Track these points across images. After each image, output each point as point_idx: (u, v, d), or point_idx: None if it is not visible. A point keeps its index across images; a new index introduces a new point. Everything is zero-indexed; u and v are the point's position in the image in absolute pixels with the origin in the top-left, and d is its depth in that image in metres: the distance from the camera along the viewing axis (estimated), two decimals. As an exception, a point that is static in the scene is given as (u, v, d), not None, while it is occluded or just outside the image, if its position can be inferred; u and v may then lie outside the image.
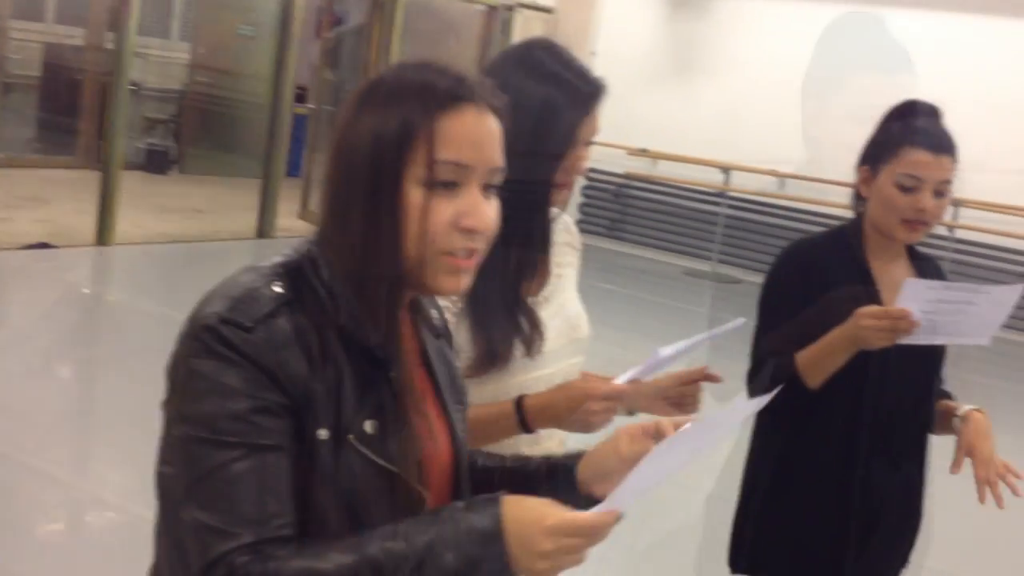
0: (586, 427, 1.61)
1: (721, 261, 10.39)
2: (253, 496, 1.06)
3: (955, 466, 2.09)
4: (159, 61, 14.37)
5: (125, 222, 8.10)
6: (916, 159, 2.08)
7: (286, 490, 1.08)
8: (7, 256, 7.10)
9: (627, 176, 11.09)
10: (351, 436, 1.13)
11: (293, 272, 1.17)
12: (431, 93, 1.14)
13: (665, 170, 10.89)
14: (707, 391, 1.80)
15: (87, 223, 7.93)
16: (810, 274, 2.15)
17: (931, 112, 2.16)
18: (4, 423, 4.48)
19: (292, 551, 1.05)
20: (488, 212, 1.17)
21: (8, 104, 11.21)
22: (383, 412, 1.15)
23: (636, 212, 11.28)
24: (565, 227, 1.93)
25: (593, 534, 1.08)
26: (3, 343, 5.48)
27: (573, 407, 1.61)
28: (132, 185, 9.28)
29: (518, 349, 1.69)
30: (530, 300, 1.75)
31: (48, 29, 13.22)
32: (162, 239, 8.34)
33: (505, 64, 1.71)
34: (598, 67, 10.08)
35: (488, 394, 1.69)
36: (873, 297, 2.12)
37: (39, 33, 12.66)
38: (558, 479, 1.32)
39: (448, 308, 1.65)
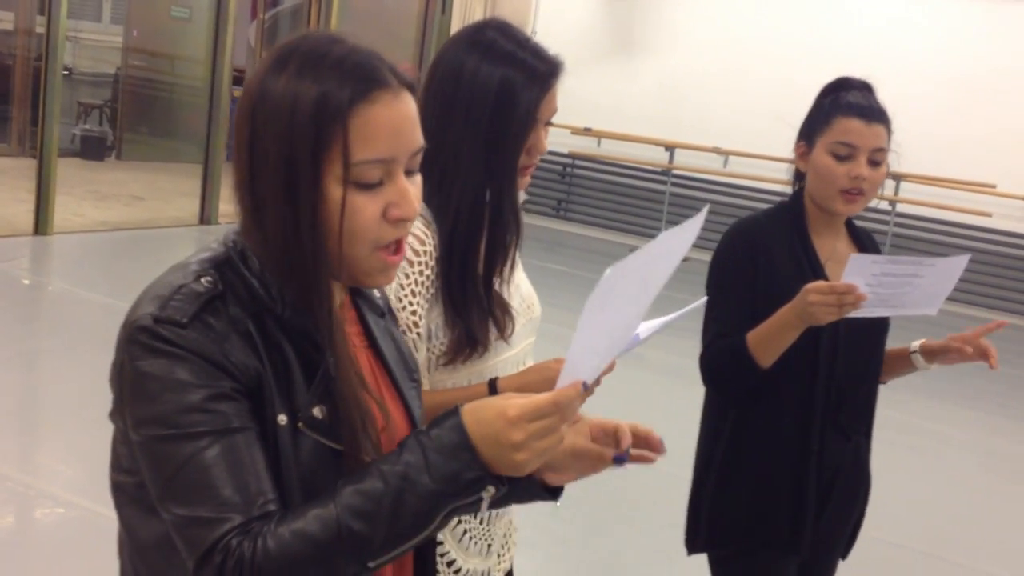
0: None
1: (667, 239, 10.44)
2: (231, 479, 1.05)
3: (976, 334, 2.16)
4: (92, 45, 14.09)
5: (63, 210, 7.94)
6: (848, 127, 2.12)
7: (262, 467, 1.07)
8: (-60, 247, 6.92)
9: (572, 155, 11.10)
10: (301, 423, 1.12)
11: (221, 265, 1.14)
12: (340, 82, 1.10)
13: (609, 149, 10.92)
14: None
15: (24, 212, 7.76)
16: (756, 252, 2.16)
17: (863, 87, 2.20)
18: (-58, 419, 4.37)
19: (276, 522, 1.04)
20: (414, 197, 1.15)
21: (-64, 91, 10.92)
22: (330, 396, 1.14)
23: (582, 191, 11.31)
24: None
25: (559, 411, 1.06)
26: (-62, 337, 5.35)
27: (547, 388, 1.60)
28: (69, 172, 9.09)
29: (492, 332, 1.69)
30: (497, 281, 1.74)
31: (-24, 13, 12.90)
32: (102, 227, 8.19)
33: (458, 48, 1.68)
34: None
35: (462, 378, 1.69)
36: (817, 273, 2.15)
37: (-34, 17, 12.35)
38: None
39: (421, 293, 1.63)
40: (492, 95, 1.63)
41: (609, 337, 1.13)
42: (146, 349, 1.07)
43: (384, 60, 1.14)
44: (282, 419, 1.10)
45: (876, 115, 2.14)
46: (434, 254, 1.65)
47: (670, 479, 4.49)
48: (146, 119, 11.78)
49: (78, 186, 9.21)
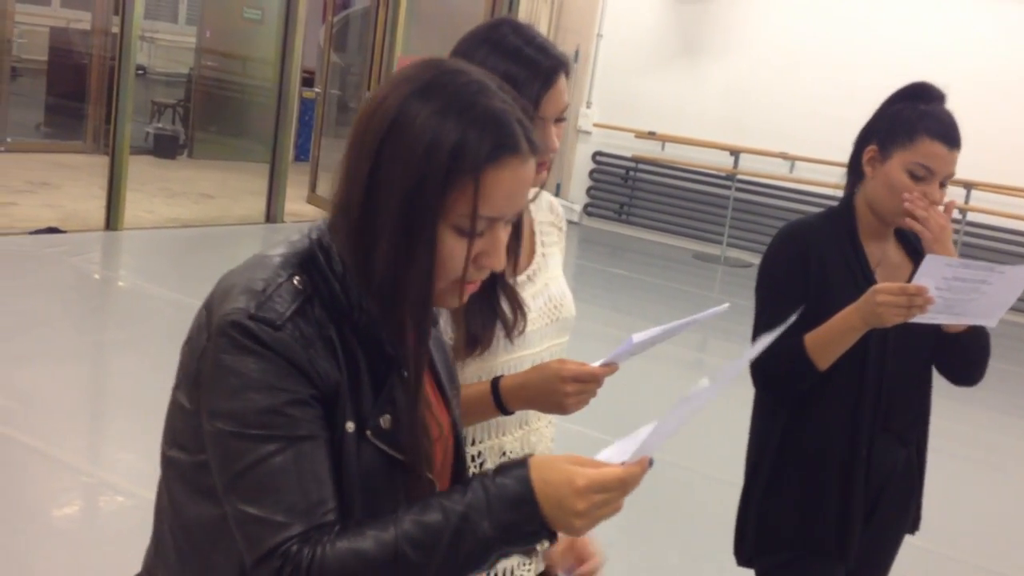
0: (560, 408, 1.61)
1: (731, 244, 10.36)
2: (297, 486, 1.09)
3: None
4: (167, 45, 14.37)
5: (134, 207, 8.11)
6: (933, 151, 2.09)
7: (327, 476, 1.11)
8: (16, 241, 7.11)
9: (635, 159, 11.05)
10: (369, 431, 1.16)
11: (307, 263, 1.17)
12: (481, 137, 1.13)
13: (674, 153, 10.85)
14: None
15: (96, 208, 7.94)
16: (807, 255, 2.15)
17: (941, 98, 2.17)
18: (15, 408, 4.50)
19: (335, 535, 1.08)
20: (504, 250, 1.20)
21: (15, 89, 11.23)
22: (396, 407, 1.18)
23: (645, 196, 11.26)
24: (549, 206, 1.93)
25: (624, 487, 1.10)
26: (13, 328, 5.50)
27: (546, 388, 1.61)
28: (141, 170, 9.29)
29: (500, 331, 1.70)
30: (514, 280, 1.75)
31: (54, 13, 13.22)
32: (171, 224, 8.36)
33: (472, 41, 1.70)
34: (604, 49, 10.07)
35: (472, 375, 1.70)
36: (868, 278, 2.14)
37: (45, 17, 12.67)
38: None
39: None
40: None
41: (680, 421, 1.18)
42: (236, 345, 1.10)
43: (524, 124, 1.18)
44: (350, 426, 1.14)
45: (958, 141, 2.12)
46: None
47: (719, 484, 4.47)
48: (217, 118, 11.98)
49: (150, 183, 9.41)
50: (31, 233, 7.28)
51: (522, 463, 1.11)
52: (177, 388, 1.18)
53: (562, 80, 1.68)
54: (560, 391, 1.59)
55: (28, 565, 3.30)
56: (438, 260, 1.15)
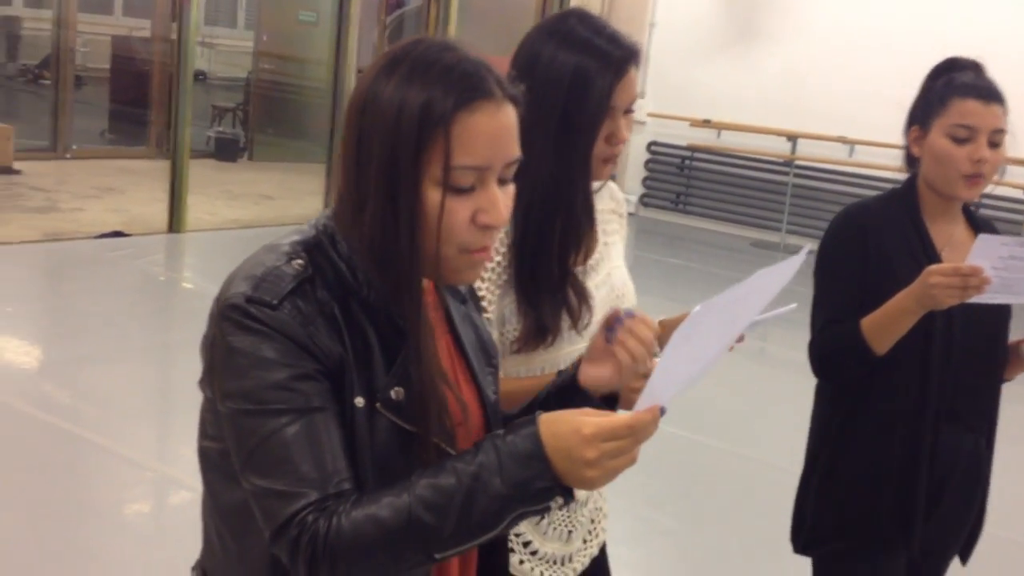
0: (625, 403, 1.60)
1: (790, 231, 10.25)
2: (309, 456, 1.10)
3: None
4: (226, 50, 14.60)
5: (196, 209, 8.27)
6: (967, 108, 2.06)
7: (339, 447, 1.13)
8: (82, 245, 7.30)
9: (691, 148, 10.98)
10: (379, 403, 1.17)
11: (312, 248, 1.20)
12: (446, 90, 1.14)
13: (730, 140, 10.76)
14: None
15: (159, 211, 8.11)
16: (865, 238, 2.12)
17: (973, 66, 2.15)
18: (83, 407, 4.62)
19: (351, 503, 1.09)
20: (504, 206, 1.19)
21: (80, 97, 11.48)
22: (409, 379, 1.19)
23: (701, 184, 11.17)
24: (611, 194, 1.92)
25: (634, 433, 1.08)
26: (81, 329, 5.65)
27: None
28: (203, 173, 9.47)
29: (565, 321, 1.69)
30: (577, 270, 1.74)
31: (116, 21, 13.50)
32: (232, 225, 8.50)
33: (539, 36, 1.70)
34: (658, 38, 10.00)
35: (535, 366, 1.70)
36: (932, 259, 2.09)
37: (107, 26, 12.94)
38: (568, 395, 1.36)
39: (491, 280, 1.66)
40: (565, 83, 1.63)
41: (690, 366, 1.16)
42: (237, 326, 1.14)
43: (492, 70, 1.18)
44: (359, 401, 1.16)
45: (993, 95, 2.09)
46: (506, 241, 1.67)
47: (776, 471, 4.44)
48: (275, 121, 12.15)
49: (212, 186, 9.57)
50: (97, 237, 7.47)
51: (531, 420, 1.11)
52: (201, 380, 1.22)
53: (633, 70, 1.68)
54: (626, 386, 1.59)
55: (96, 559, 3.40)
56: (427, 222, 1.15)
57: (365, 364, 1.17)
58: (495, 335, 1.67)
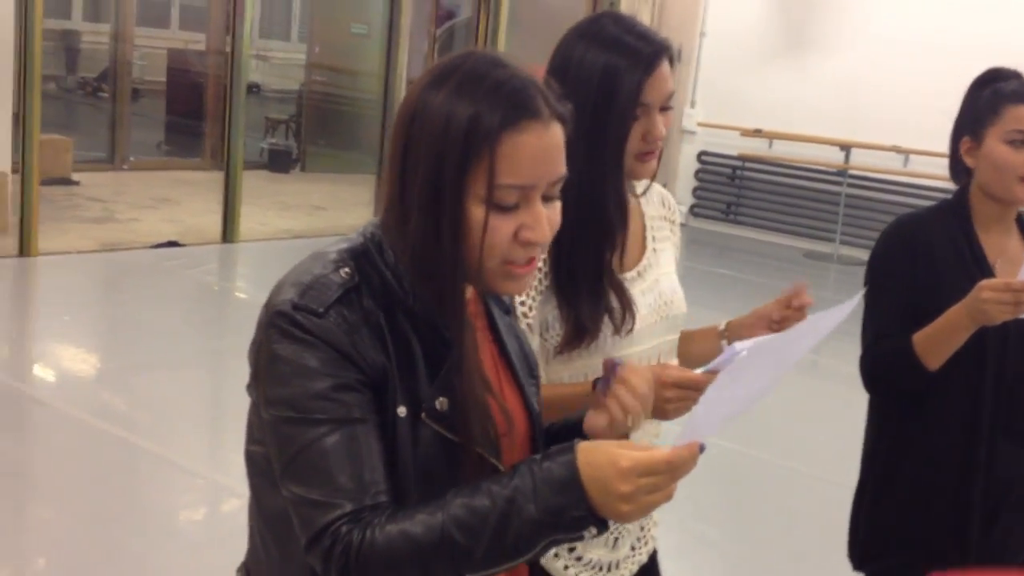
0: (661, 414, 1.56)
1: (844, 242, 10.12)
2: (347, 467, 1.11)
3: None
4: (280, 63, 14.78)
5: (249, 220, 8.37)
6: (1021, 114, 2.07)
7: (377, 459, 1.13)
8: (138, 255, 7.42)
9: (742, 157, 10.90)
10: (423, 414, 1.17)
11: (359, 256, 1.21)
12: (493, 107, 1.14)
13: (781, 150, 10.66)
14: None
15: (213, 221, 8.22)
16: (915, 250, 2.10)
17: (1015, 75, 2.15)
18: (137, 415, 4.69)
19: (386, 517, 1.10)
20: (548, 224, 1.19)
21: (137, 109, 11.69)
22: (453, 389, 1.19)
23: (753, 194, 11.08)
24: (660, 200, 1.91)
25: (671, 470, 1.07)
26: (136, 338, 5.74)
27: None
28: (256, 184, 9.59)
29: (607, 326, 1.68)
30: (623, 276, 1.73)
31: (172, 35, 13.73)
32: (285, 235, 8.59)
33: (571, 38, 1.70)
34: (708, 47, 9.94)
35: (579, 371, 1.69)
36: (985, 272, 2.07)
37: (163, 39, 13.17)
38: (571, 438, 1.32)
39: (533, 286, 1.66)
40: (595, 82, 1.63)
41: (737, 403, 1.15)
42: (282, 333, 1.15)
43: (541, 88, 1.18)
44: (402, 411, 1.16)
45: None
46: (545, 246, 1.67)
47: (825, 485, 4.38)
48: (327, 132, 12.27)
49: (265, 197, 9.69)
50: (152, 247, 7.59)
51: (569, 448, 1.10)
52: (249, 385, 1.23)
53: (665, 66, 1.66)
54: (661, 396, 1.54)
55: (147, 565, 3.44)
56: (470, 236, 1.15)
57: (409, 374, 1.17)
58: (537, 342, 1.67)
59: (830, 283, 9.36)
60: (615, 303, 1.69)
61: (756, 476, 4.67)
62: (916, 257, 2.09)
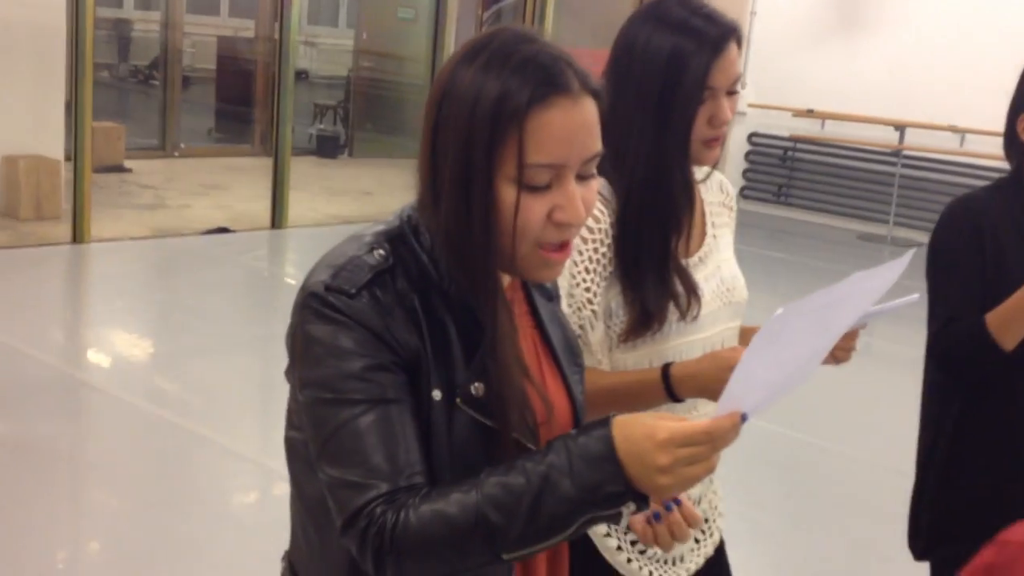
0: (715, 396, 1.55)
1: (898, 224, 9.96)
2: (382, 448, 1.09)
3: None
4: (328, 49, 14.84)
5: (298, 206, 8.43)
6: None
7: (413, 439, 1.11)
8: (189, 241, 7.50)
9: (793, 139, 10.75)
10: (459, 399, 1.15)
11: (395, 239, 1.19)
12: (522, 82, 1.11)
13: (833, 131, 10.50)
14: None
15: (263, 208, 8.28)
16: (982, 231, 2.04)
17: None
18: (190, 399, 4.74)
19: (421, 498, 1.07)
20: (582, 204, 1.15)
21: (187, 97, 11.82)
22: (490, 375, 1.16)
23: (804, 176, 10.94)
24: (720, 186, 1.88)
25: (711, 440, 1.03)
26: (188, 323, 5.80)
27: (722, 377, 1.54)
28: (304, 170, 9.64)
29: (673, 312, 1.65)
30: (685, 262, 1.71)
31: (222, 22, 13.84)
32: (333, 221, 8.63)
33: (636, 21, 1.67)
34: (758, 27, 9.84)
35: (643, 358, 1.67)
36: None
37: (213, 27, 13.27)
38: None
39: (597, 271, 1.63)
40: (662, 65, 1.60)
41: (780, 372, 1.09)
42: (316, 314, 1.13)
43: (572, 63, 1.15)
44: (436, 395, 1.14)
45: None
46: (610, 232, 1.64)
47: (885, 472, 4.30)
48: (375, 117, 12.31)
49: (314, 182, 9.74)
50: (203, 233, 7.66)
51: (605, 421, 1.07)
52: (286, 371, 1.21)
53: (733, 49, 1.63)
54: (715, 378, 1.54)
55: (200, 548, 3.47)
56: (502, 219, 1.13)
57: (444, 357, 1.15)
58: (600, 329, 1.64)
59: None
60: (680, 289, 1.66)
61: (810, 462, 4.61)
62: (982, 237, 2.04)
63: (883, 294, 1.14)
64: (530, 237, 1.14)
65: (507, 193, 1.13)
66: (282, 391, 1.22)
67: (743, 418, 1.05)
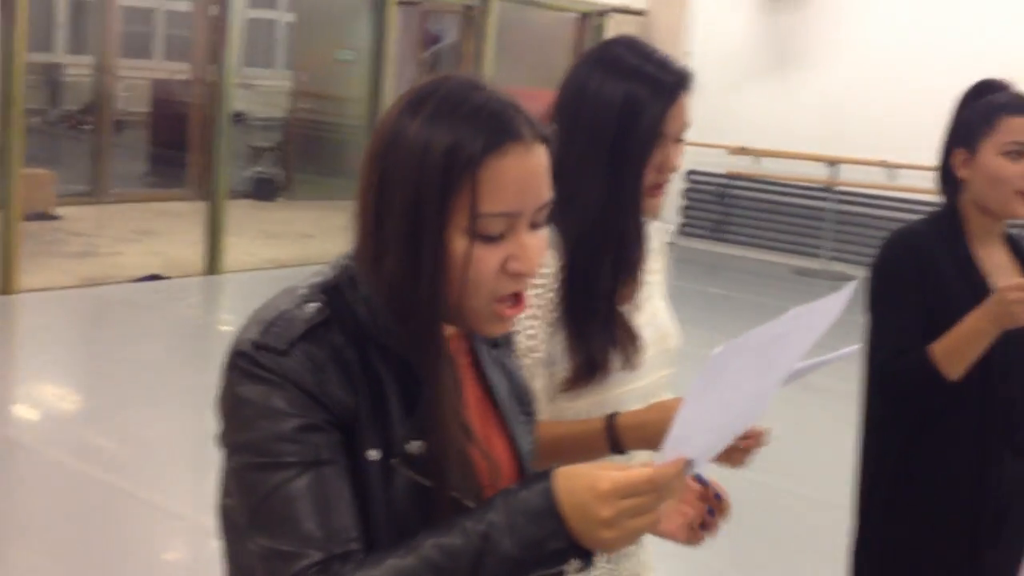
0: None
1: (833, 258, 10.10)
2: (315, 514, 1.04)
3: None
4: (265, 91, 14.76)
5: (235, 250, 8.30)
6: (1018, 125, 2.05)
7: (348, 503, 1.06)
8: (120, 289, 7.34)
9: (729, 175, 10.88)
10: (395, 459, 1.10)
11: (331, 290, 1.14)
12: (474, 132, 1.08)
13: (768, 167, 10.65)
14: None
15: (197, 253, 8.15)
16: (922, 264, 2.08)
17: (1006, 87, 2.14)
18: (123, 455, 4.61)
19: (355, 565, 1.02)
20: (536, 253, 1.12)
21: (120, 141, 11.65)
22: (428, 433, 1.11)
23: (740, 212, 11.06)
24: (654, 230, 1.87)
25: (655, 489, 0.99)
26: (119, 375, 5.66)
27: (666, 427, 1.52)
28: (241, 213, 9.52)
29: (616, 360, 1.63)
30: (624, 309, 1.68)
31: (156, 65, 13.71)
32: (271, 265, 8.52)
33: (585, 66, 1.65)
34: (693, 67, 9.94)
35: (585, 407, 1.63)
36: (982, 282, 2.07)
37: (147, 70, 13.14)
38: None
39: (542, 317, 1.60)
40: (615, 111, 1.58)
41: (725, 415, 1.06)
42: (245, 374, 1.08)
43: (521, 111, 1.12)
44: (373, 454, 1.09)
45: None
46: (558, 276, 1.61)
47: (830, 508, 4.31)
48: (314, 159, 12.22)
49: (251, 226, 9.62)
50: (135, 281, 7.51)
51: (546, 474, 1.02)
52: (218, 436, 1.15)
53: (685, 97, 1.63)
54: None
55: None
56: (452, 270, 1.09)
57: (381, 415, 1.10)
58: (544, 376, 1.60)
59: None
60: (623, 337, 1.64)
61: (752, 500, 4.60)
62: (924, 270, 2.07)
63: (827, 328, 1.11)
64: (483, 290, 1.11)
65: (459, 244, 1.09)
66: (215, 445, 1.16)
67: (689, 465, 1.01)
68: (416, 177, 1.08)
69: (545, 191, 1.13)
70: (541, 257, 1.13)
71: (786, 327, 1.04)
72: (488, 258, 1.09)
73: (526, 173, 1.10)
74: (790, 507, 4.55)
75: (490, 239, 1.09)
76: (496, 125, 1.09)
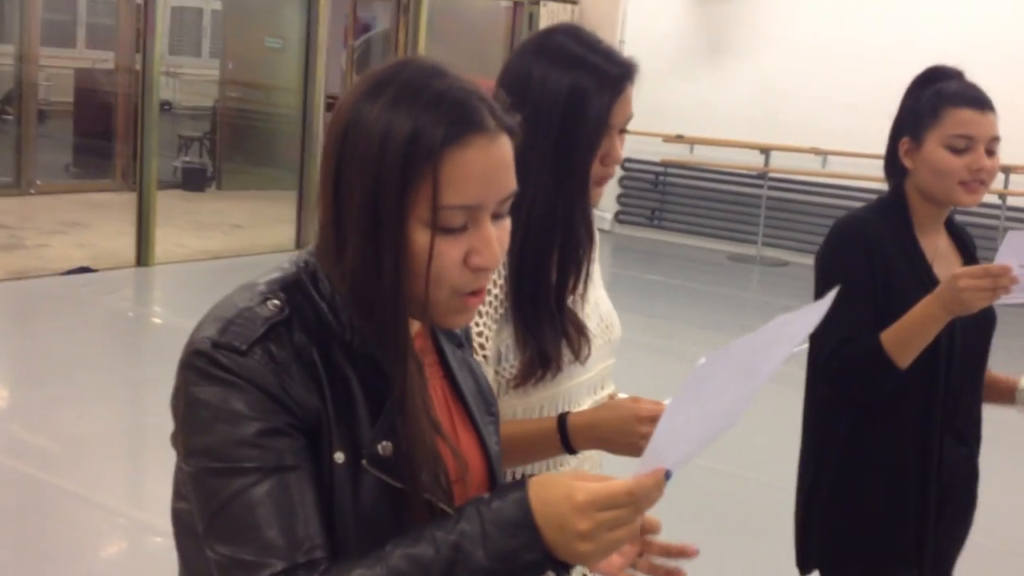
0: (634, 450, 1.48)
1: (766, 244, 10.22)
2: (277, 521, 0.99)
3: None
4: (191, 80, 14.49)
5: (165, 241, 8.13)
6: (963, 118, 2.04)
7: (312, 509, 1.01)
8: (48, 282, 7.14)
9: (664, 163, 10.95)
10: (364, 460, 1.05)
11: (291, 287, 1.09)
12: (435, 121, 1.04)
13: (703, 155, 10.73)
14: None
15: (127, 245, 7.97)
16: (870, 252, 2.07)
17: (957, 75, 2.13)
18: (53, 450, 4.48)
19: (321, 574, 0.98)
20: (498, 246, 1.08)
21: (43, 131, 11.33)
22: (398, 433, 1.07)
23: (676, 200, 11.14)
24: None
25: (634, 501, 0.96)
26: (48, 370, 5.50)
27: (620, 428, 1.50)
28: (170, 204, 9.33)
29: (566, 354, 1.60)
30: (569, 300, 1.65)
31: (79, 54, 13.36)
32: (202, 256, 8.37)
33: (525, 55, 1.61)
34: (628, 55, 9.99)
35: (536, 403, 1.60)
36: (928, 271, 2.08)
37: (70, 59, 12.80)
38: None
39: (488, 314, 1.56)
40: (561, 103, 1.55)
41: (704, 425, 1.03)
42: (202, 375, 1.02)
43: (485, 100, 1.08)
44: (339, 457, 1.04)
45: (987, 103, 2.06)
46: (503, 272, 1.57)
47: (764, 488, 4.35)
48: (244, 149, 12.02)
49: (180, 217, 9.43)
50: (63, 274, 7.31)
51: (521, 484, 0.99)
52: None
53: (630, 87, 1.60)
54: (636, 432, 1.47)
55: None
56: (414, 264, 1.05)
57: (348, 416, 1.05)
58: (490, 374, 1.56)
59: (754, 285, 9.46)
60: (572, 330, 1.61)
61: (699, 482, 4.63)
62: (872, 257, 2.06)
63: (806, 336, 1.10)
64: (445, 283, 1.06)
65: (420, 237, 1.04)
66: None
67: (667, 475, 0.98)
68: (375, 167, 1.04)
69: (510, 182, 1.09)
70: (504, 249, 1.10)
71: (768, 336, 1.03)
72: (450, 251, 1.06)
73: (489, 165, 1.06)
74: (733, 488, 4.58)
75: (451, 231, 1.05)
76: (458, 115, 1.05)
